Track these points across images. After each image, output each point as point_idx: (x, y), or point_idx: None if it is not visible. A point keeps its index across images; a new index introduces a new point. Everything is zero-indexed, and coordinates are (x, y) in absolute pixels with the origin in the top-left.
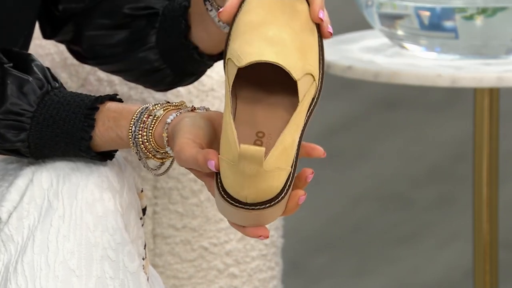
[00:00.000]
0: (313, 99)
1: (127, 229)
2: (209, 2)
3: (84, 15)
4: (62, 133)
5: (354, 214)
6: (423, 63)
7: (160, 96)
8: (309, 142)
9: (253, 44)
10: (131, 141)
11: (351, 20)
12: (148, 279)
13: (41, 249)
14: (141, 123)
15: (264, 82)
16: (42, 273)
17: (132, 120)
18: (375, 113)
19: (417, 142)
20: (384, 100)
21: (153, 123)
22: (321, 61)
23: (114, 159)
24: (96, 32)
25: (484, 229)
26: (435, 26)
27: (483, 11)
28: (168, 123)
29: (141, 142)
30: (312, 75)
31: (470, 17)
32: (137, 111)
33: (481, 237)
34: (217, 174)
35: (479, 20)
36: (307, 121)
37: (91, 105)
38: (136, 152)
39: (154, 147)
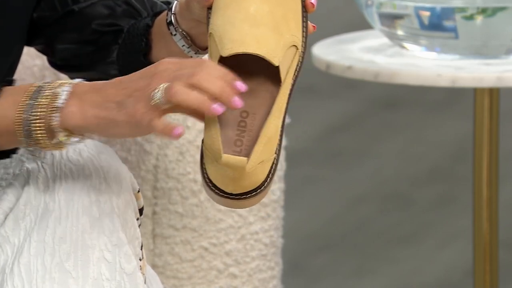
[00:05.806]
0: (296, 67)
1: (123, 230)
2: (173, 26)
3: (55, 28)
4: None
5: (354, 214)
6: (423, 63)
7: None
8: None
9: (235, 26)
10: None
11: (351, 20)
12: (145, 280)
13: (38, 251)
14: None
15: (248, 58)
16: (39, 274)
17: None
18: (375, 113)
19: (417, 142)
20: (384, 100)
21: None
22: (304, 23)
23: (111, 160)
24: (65, 45)
25: (484, 229)
26: (435, 26)
27: (483, 11)
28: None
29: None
30: (295, 45)
31: (470, 17)
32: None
33: (481, 237)
34: (202, 160)
35: (479, 20)
36: (291, 89)
37: None
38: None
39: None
